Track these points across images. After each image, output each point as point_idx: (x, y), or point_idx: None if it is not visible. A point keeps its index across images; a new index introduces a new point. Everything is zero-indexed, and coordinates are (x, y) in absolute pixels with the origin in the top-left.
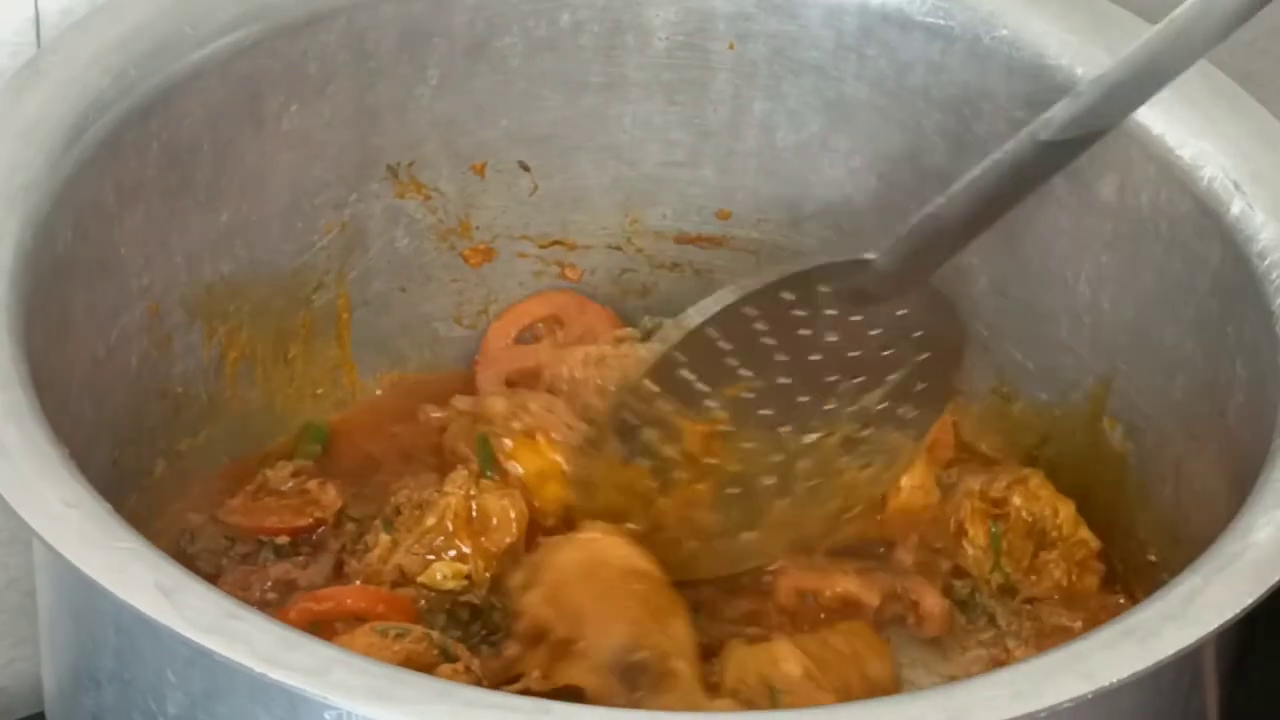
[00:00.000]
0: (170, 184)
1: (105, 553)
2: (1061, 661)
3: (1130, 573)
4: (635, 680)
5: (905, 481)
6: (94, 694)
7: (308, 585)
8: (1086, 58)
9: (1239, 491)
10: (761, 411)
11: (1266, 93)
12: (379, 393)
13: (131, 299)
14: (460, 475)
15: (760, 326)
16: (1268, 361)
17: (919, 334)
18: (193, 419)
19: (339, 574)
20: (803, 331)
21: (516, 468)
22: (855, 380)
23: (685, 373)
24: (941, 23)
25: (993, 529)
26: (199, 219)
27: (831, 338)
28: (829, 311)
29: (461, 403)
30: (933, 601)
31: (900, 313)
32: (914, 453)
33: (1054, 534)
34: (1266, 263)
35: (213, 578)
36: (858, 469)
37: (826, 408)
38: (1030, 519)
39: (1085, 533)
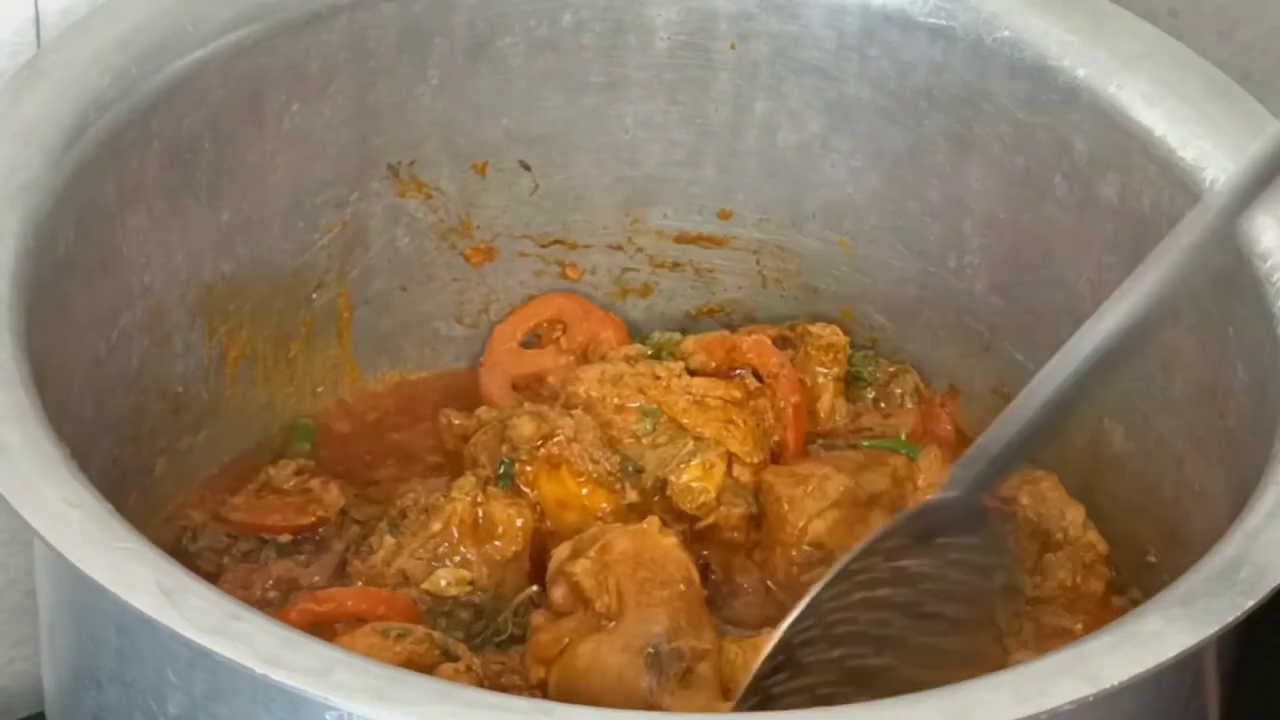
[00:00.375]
0: (171, 183)
1: (106, 553)
2: (1063, 663)
3: (1130, 574)
4: (664, 669)
5: (922, 480)
6: (95, 694)
7: (309, 584)
8: (1088, 59)
9: (1239, 493)
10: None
11: (1267, 93)
12: (380, 392)
13: (132, 298)
14: (468, 481)
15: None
16: (1268, 364)
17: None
18: (193, 418)
19: (341, 573)
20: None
21: (535, 494)
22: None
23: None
24: (943, 23)
25: None
26: (200, 218)
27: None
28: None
29: (487, 414)
30: None
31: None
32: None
33: (1059, 536)
34: (1268, 264)
35: (214, 576)
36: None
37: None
38: (1036, 519)
39: (1094, 535)
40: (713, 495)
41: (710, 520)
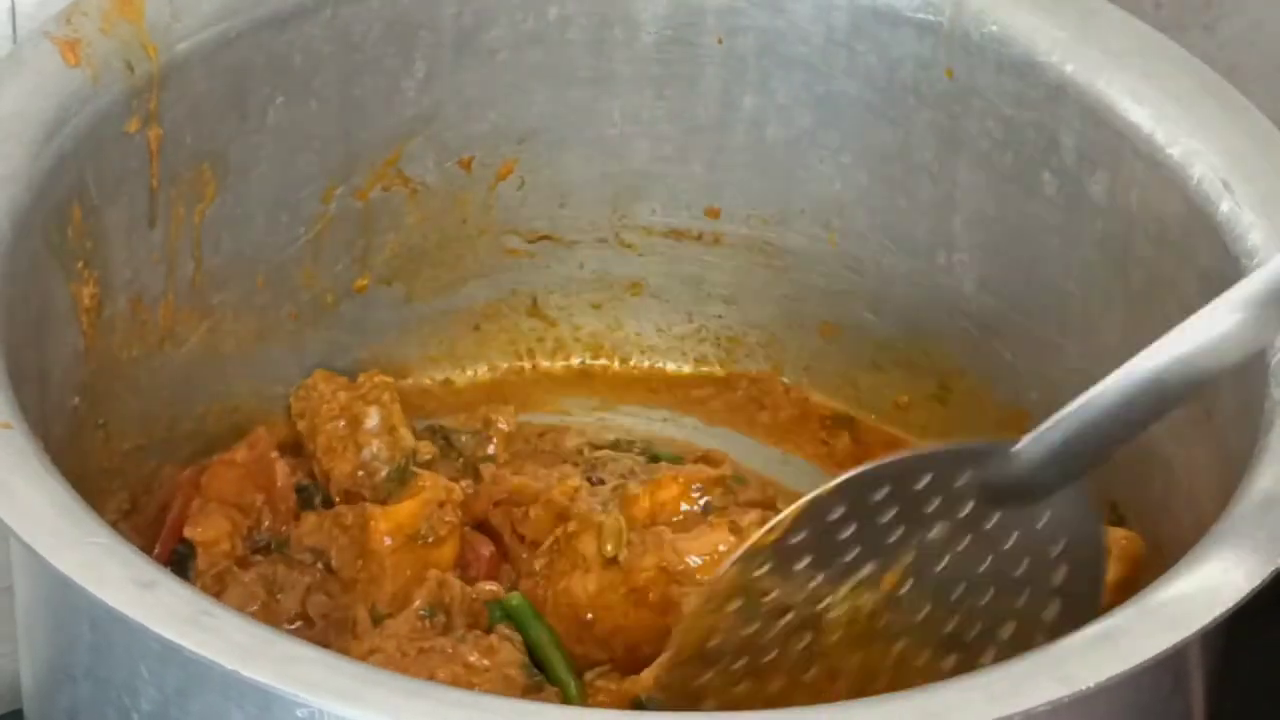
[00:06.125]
0: (153, 177)
1: (79, 548)
2: (1038, 664)
3: None
4: None
5: None
6: (70, 690)
7: None
8: (1076, 54)
9: (1225, 493)
10: (878, 621)
11: (1255, 86)
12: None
13: (115, 292)
14: None
15: (889, 515)
16: (1254, 363)
17: (1058, 547)
18: (176, 413)
19: None
20: (934, 532)
21: None
22: (982, 600)
23: (804, 562)
24: (931, 19)
25: None
26: (182, 212)
27: (962, 545)
28: (965, 509)
29: None
30: None
31: (1040, 523)
32: None
33: None
34: (1254, 262)
35: None
36: None
37: (946, 630)
38: None
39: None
40: None
41: None
